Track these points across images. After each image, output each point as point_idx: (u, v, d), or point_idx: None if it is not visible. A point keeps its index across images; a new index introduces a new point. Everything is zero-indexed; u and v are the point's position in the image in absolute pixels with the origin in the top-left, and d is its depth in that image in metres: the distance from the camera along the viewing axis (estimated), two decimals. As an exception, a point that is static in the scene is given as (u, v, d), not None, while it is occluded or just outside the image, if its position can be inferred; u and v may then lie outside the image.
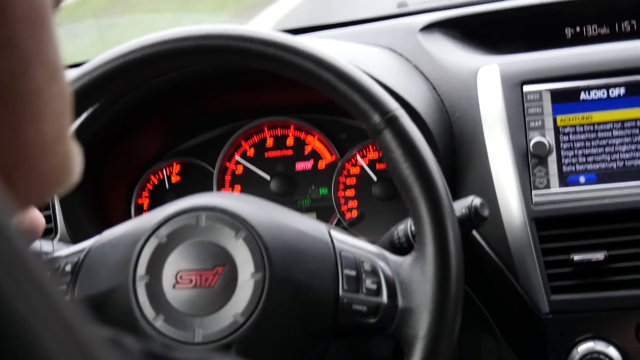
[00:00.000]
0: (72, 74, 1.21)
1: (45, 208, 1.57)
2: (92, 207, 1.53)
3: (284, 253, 1.11)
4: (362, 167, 1.58)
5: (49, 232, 1.54)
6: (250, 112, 1.62)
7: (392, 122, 1.12)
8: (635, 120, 1.41)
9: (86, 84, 1.19)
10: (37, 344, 0.30)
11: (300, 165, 1.60)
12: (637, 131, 1.41)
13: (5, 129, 0.45)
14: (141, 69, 1.21)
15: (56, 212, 1.52)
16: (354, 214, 1.57)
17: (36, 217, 0.93)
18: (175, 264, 1.11)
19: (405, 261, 1.14)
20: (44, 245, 1.33)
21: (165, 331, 1.08)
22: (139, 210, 1.60)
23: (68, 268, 1.19)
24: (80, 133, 1.45)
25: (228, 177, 1.61)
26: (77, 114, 1.29)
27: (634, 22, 1.58)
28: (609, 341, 1.37)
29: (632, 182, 1.39)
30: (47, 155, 0.48)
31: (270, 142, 1.61)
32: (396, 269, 1.14)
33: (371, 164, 1.57)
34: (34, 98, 0.46)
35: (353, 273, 1.11)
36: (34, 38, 0.46)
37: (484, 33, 1.62)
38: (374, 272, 1.12)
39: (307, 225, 1.17)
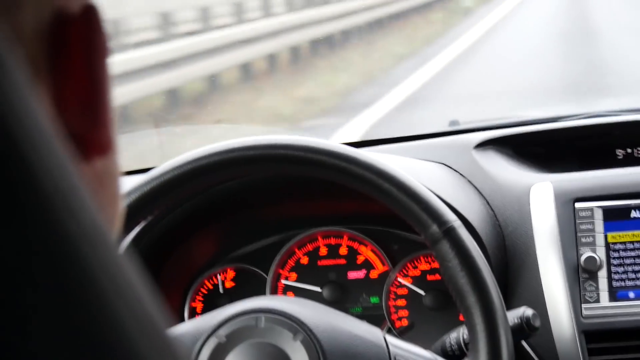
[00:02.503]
0: (137, 180, 1.26)
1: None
2: None
3: (340, 356, 1.12)
4: (413, 278, 1.58)
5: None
6: (304, 221, 1.63)
7: (449, 232, 1.15)
8: None
9: (152, 190, 1.24)
10: None
11: (353, 274, 1.59)
12: None
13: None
14: (206, 176, 1.26)
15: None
16: (404, 322, 1.56)
17: None
18: None
19: None
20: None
21: None
22: (193, 314, 1.59)
23: None
24: (139, 239, 1.47)
25: (281, 284, 1.61)
26: (142, 219, 1.32)
27: None
28: None
29: None
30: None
31: (323, 250, 1.61)
32: None
33: (423, 275, 1.57)
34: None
35: None
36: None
37: (536, 151, 1.64)
38: None
39: (363, 329, 1.18)
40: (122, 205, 0.50)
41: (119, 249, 0.34)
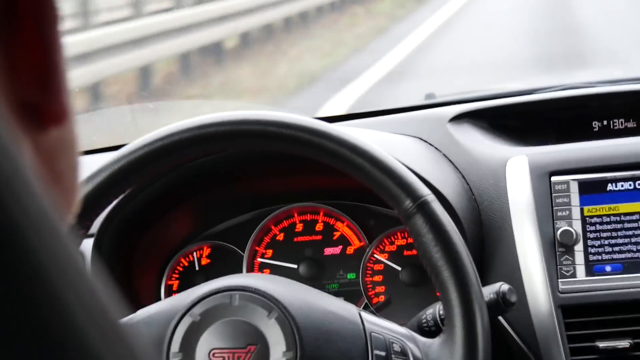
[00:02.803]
0: (109, 157, 1.26)
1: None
2: (124, 288, 1.54)
3: (315, 333, 1.13)
4: (390, 253, 1.59)
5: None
6: (280, 197, 1.63)
7: (423, 207, 1.16)
8: None
9: (124, 167, 1.24)
10: None
11: (329, 251, 1.60)
12: None
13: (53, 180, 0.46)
14: (179, 152, 1.26)
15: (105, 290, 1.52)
16: (381, 298, 1.57)
17: None
18: (208, 342, 1.13)
19: (433, 343, 1.17)
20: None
21: None
22: (169, 291, 1.59)
23: None
24: (111, 218, 1.47)
25: (257, 261, 1.61)
26: (115, 197, 1.32)
27: None
28: None
29: None
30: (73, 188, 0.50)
31: (299, 227, 1.62)
32: (425, 350, 1.17)
33: (399, 250, 1.57)
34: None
35: (383, 354, 1.13)
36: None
37: (512, 124, 1.66)
38: (403, 353, 1.14)
39: (338, 306, 1.19)
40: (80, 176, 0.50)
41: (68, 235, 0.33)
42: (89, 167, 1.28)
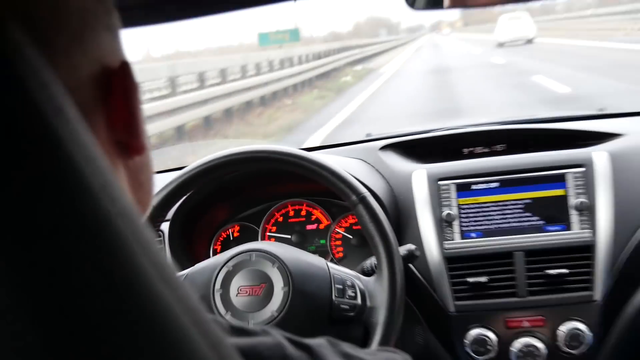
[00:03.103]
0: (176, 174, 1.34)
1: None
2: (187, 252, 1.63)
3: (301, 275, 1.20)
4: (345, 228, 1.67)
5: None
6: (279, 196, 1.71)
7: (363, 200, 1.24)
8: (504, 201, 1.52)
9: (187, 179, 1.34)
10: (186, 335, 0.33)
11: (309, 227, 1.69)
12: (504, 208, 1.52)
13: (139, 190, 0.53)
14: (215, 171, 1.34)
15: (167, 252, 1.59)
16: (341, 255, 1.65)
17: None
18: (237, 282, 1.20)
19: (370, 280, 1.24)
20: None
21: (231, 321, 1.13)
22: (215, 253, 1.65)
23: None
24: (179, 209, 1.56)
25: (267, 234, 1.69)
26: (181, 197, 1.38)
27: (504, 145, 1.72)
28: (489, 328, 1.47)
29: (502, 237, 1.50)
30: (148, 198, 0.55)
31: (291, 213, 1.70)
32: (365, 284, 1.23)
33: (351, 226, 1.66)
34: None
35: (340, 286, 1.20)
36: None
37: (417, 151, 1.71)
38: (352, 286, 1.22)
39: (315, 259, 1.26)
40: (155, 184, 0.55)
41: (143, 221, 0.35)
42: (163, 180, 1.35)
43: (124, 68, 0.48)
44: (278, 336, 0.53)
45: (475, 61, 18.63)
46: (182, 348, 0.32)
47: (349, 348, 0.57)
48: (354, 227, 1.64)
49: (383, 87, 14.64)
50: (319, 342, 0.55)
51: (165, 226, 1.57)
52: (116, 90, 0.46)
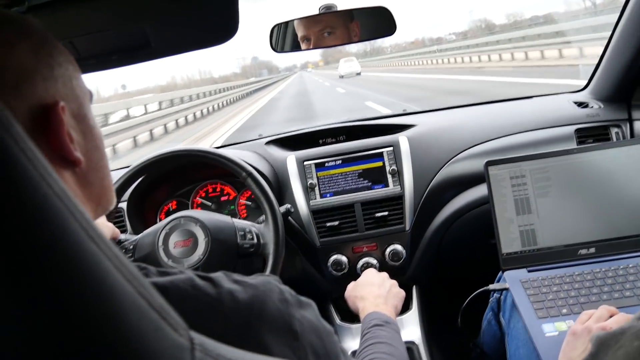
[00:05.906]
0: (128, 168, 1.50)
1: (121, 222, 1.74)
2: (140, 220, 1.77)
3: (215, 229, 1.34)
4: (246, 197, 1.88)
5: (125, 231, 1.72)
6: (202, 178, 1.89)
7: (250, 175, 1.42)
8: (345, 172, 1.78)
9: (137, 170, 1.52)
10: (109, 274, 0.34)
11: (223, 198, 1.89)
12: (346, 176, 1.78)
13: (97, 182, 0.55)
14: (159, 162, 1.50)
15: (127, 222, 1.74)
16: (244, 215, 1.86)
17: (115, 229, 1.36)
18: (173, 239, 1.33)
19: (262, 226, 1.43)
20: (122, 236, 1.46)
21: (171, 266, 1.24)
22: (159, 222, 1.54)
23: (131, 246, 1.39)
24: (133, 191, 1.76)
25: (194, 206, 1.87)
26: (134, 182, 1.53)
27: (344, 136, 1.97)
28: (342, 254, 1.74)
29: (346, 195, 1.75)
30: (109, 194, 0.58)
31: (210, 190, 1.89)
32: (259, 229, 1.41)
33: (250, 196, 1.87)
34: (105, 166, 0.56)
35: (242, 233, 1.37)
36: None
37: (289, 143, 1.95)
38: (250, 232, 1.39)
39: (224, 217, 1.41)
40: (108, 179, 0.59)
41: (94, 224, 0.36)
42: (119, 174, 1.48)
43: (57, 103, 0.50)
44: (189, 273, 0.56)
45: (326, 90, 24.43)
46: (103, 278, 0.34)
47: (238, 276, 0.60)
48: (252, 197, 1.90)
49: (267, 104, 19.30)
50: (218, 274, 0.58)
51: (123, 205, 1.74)
52: (53, 121, 0.49)
